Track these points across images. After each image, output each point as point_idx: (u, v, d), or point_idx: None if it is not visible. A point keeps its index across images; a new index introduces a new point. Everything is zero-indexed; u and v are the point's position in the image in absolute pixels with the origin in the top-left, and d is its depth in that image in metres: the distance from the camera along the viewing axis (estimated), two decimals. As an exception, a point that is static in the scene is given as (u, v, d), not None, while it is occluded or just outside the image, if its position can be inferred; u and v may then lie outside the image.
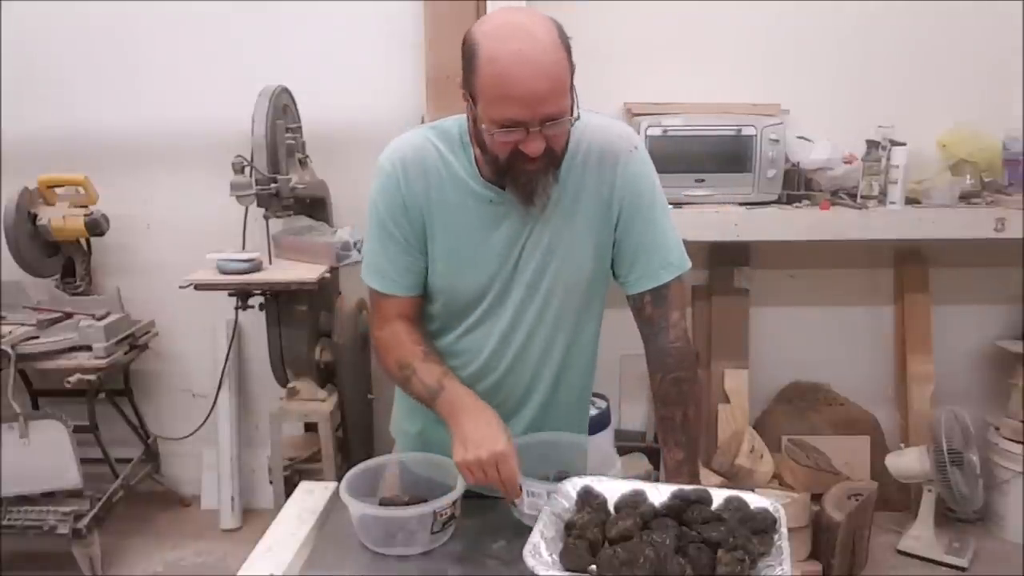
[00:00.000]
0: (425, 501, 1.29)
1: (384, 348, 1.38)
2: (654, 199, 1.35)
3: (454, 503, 1.25)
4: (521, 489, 1.23)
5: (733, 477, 2.75)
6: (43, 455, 2.57)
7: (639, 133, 2.60)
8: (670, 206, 2.46)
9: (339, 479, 1.31)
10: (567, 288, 1.35)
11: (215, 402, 3.03)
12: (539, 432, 1.41)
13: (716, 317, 3.05)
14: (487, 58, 1.14)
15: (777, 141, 2.64)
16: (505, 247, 1.32)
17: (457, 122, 1.33)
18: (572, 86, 1.20)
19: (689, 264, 1.37)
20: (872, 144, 2.64)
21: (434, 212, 1.32)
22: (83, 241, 2.97)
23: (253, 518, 3.09)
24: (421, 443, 1.48)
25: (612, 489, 1.16)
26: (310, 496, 1.43)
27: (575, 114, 1.21)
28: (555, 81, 1.15)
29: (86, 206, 2.89)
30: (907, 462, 2.66)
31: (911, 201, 2.70)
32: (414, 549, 1.24)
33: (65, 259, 2.98)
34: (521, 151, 1.19)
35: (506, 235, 1.31)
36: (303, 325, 2.71)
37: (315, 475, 2.62)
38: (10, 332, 2.60)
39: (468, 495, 1.29)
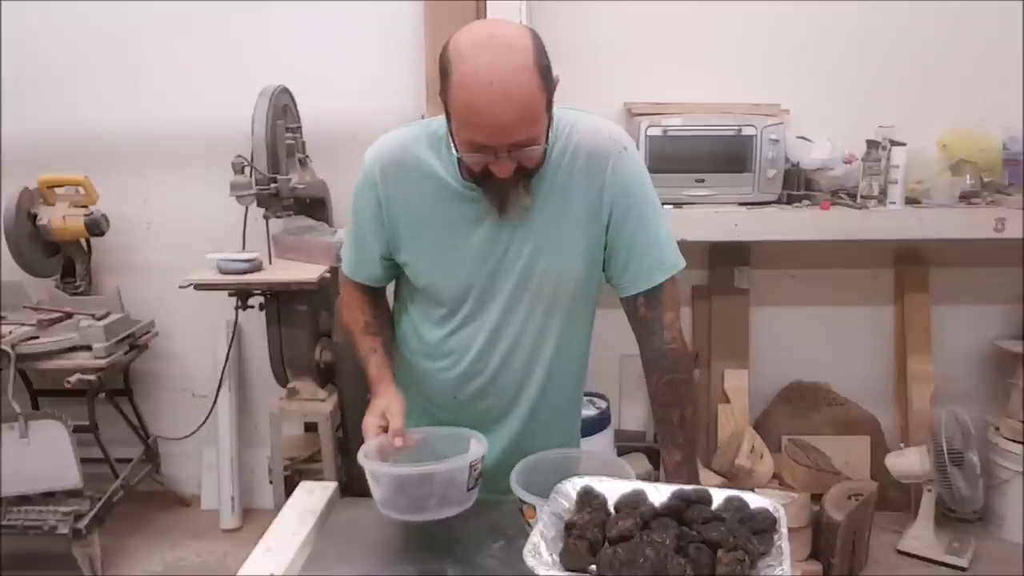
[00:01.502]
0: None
1: (343, 306, 1.50)
2: (645, 200, 1.34)
3: (482, 457, 1.26)
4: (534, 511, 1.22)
5: (733, 477, 2.75)
6: (43, 455, 2.57)
7: (639, 133, 2.60)
8: (669, 206, 2.46)
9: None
10: (556, 289, 1.34)
11: (215, 402, 3.04)
12: (545, 444, 1.40)
13: (716, 317, 3.05)
14: (458, 83, 1.15)
15: (777, 141, 2.64)
16: (487, 245, 1.32)
17: (445, 120, 1.34)
18: (549, 106, 1.20)
19: (683, 263, 1.36)
20: (872, 144, 2.64)
21: (414, 210, 1.32)
22: (83, 241, 2.97)
23: (253, 518, 3.10)
24: None
25: (612, 489, 1.16)
26: (310, 496, 1.43)
27: (549, 138, 1.24)
28: (525, 111, 1.14)
29: (86, 206, 2.89)
30: (907, 462, 2.66)
31: (911, 201, 2.69)
32: (448, 511, 1.23)
33: (65, 259, 2.98)
34: (491, 173, 1.21)
35: (488, 233, 1.31)
36: (303, 325, 2.71)
37: (315, 475, 2.62)
38: (10, 332, 2.60)
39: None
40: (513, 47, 1.14)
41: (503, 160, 1.18)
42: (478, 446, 1.27)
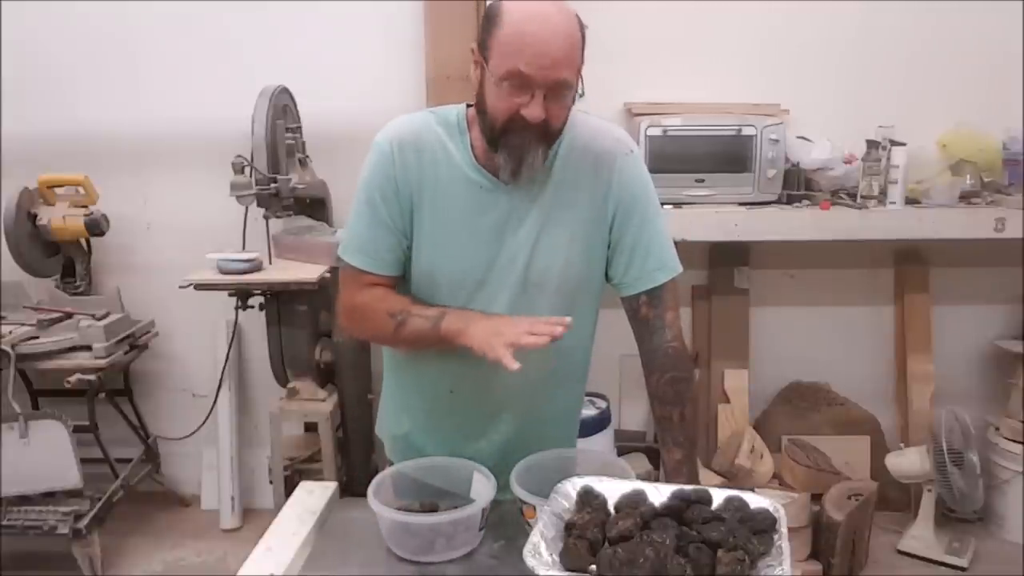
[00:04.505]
0: (433, 504, 1.29)
1: (367, 307, 1.34)
2: (648, 202, 1.37)
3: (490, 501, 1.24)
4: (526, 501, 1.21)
5: (733, 477, 2.75)
6: (43, 455, 2.57)
7: (639, 133, 2.60)
8: (669, 206, 2.47)
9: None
10: (557, 286, 1.35)
11: (215, 402, 3.04)
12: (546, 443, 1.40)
13: (716, 317, 3.05)
14: (510, 13, 1.19)
15: (777, 141, 2.64)
16: (490, 236, 1.32)
17: (456, 109, 1.35)
18: (580, 74, 1.24)
19: (681, 268, 1.38)
20: (872, 144, 2.64)
21: (424, 193, 1.32)
22: (83, 241, 2.97)
23: (253, 518, 3.10)
24: (406, 446, 1.48)
25: (612, 489, 1.16)
26: (310, 496, 1.43)
27: (576, 98, 1.25)
28: (569, 50, 1.19)
29: (86, 206, 2.89)
30: (907, 462, 2.66)
31: (911, 201, 2.69)
32: (456, 553, 1.22)
33: (65, 259, 2.98)
34: (521, 118, 1.20)
35: (492, 224, 1.32)
36: (303, 325, 2.72)
37: (315, 475, 2.62)
38: (10, 332, 2.60)
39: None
40: (563, 7, 1.22)
41: (536, 103, 1.19)
42: (486, 487, 1.26)
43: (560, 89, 1.20)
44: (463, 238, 1.32)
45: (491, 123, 1.24)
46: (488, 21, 1.22)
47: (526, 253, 1.32)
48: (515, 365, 1.15)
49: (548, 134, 1.24)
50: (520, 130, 1.22)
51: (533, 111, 1.19)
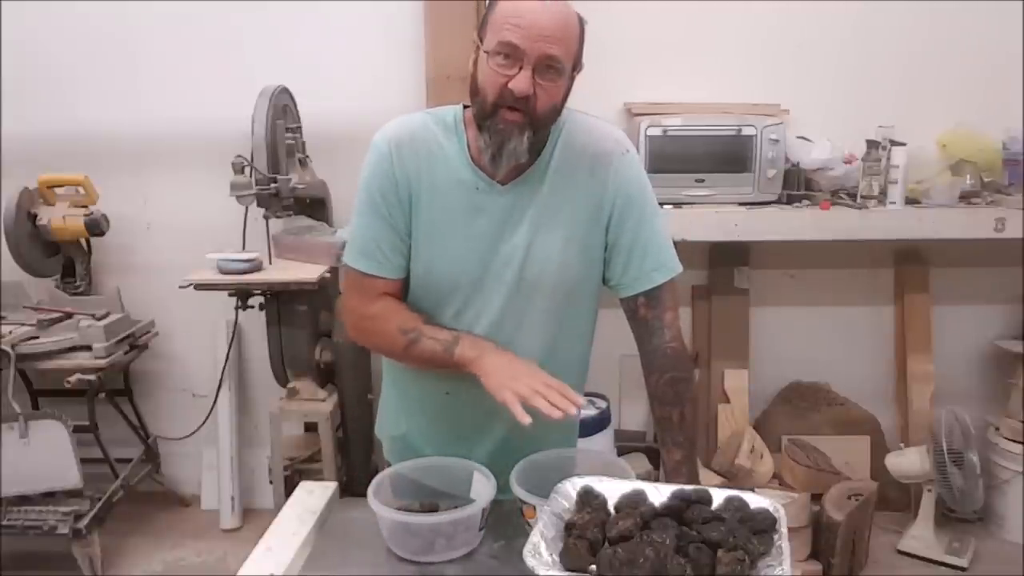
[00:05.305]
0: (433, 504, 1.29)
1: (377, 320, 1.34)
2: (645, 202, 1.36)
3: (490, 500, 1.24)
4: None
5: (733, 477, 2.75)
6: (43, 455, 2.57)
7: (639, 133, 2.60)
8: (669, 206, 2.46)
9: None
10: (553, 287, 1.34)
11: (215, 402, 3.04)
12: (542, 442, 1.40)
13: (716, 317, 3.05)
14: None
15: (777, 141, 2.64)
16: (486, 236, 1.32)
17: (453, 110, 1.35)
18: (575, 64, 1.24)
19: (680, 268, 1.37)
20: (872, 144, 2.64)
21: (422, 192, 1.32)
22: (83, 241, 2.97)
23: (253, 518, 3.10)
24: (404, 447, 1.48)
25: (612, 489, 1.16)
26: (310, 496, 1.43)
27: (569, 84, 1.25)
28: (562, 29, 1.20)
29: (86, 206, 2.89)
30: (907, 462, 2.66)
31: (911, 201, 2.69)
32: (456, 553, 1.22)
33: (65, 259, 2.98)
34: (509, 92, 1.19)
35: (487, 224, 1.31)
36: (303, 325, 2.71)
37: (315, 475, 2.62)
38: (10, 332, 2.60)
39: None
40: None
41: (524, 76, 1.19)
42: (486, 487, 1.26)
43: (549, 65, 1.19)
44: (459, 238, 1.32)
45: (481, 103, 1.24)
46: (489, 6, 1.23)
47: (521, 254, 1.32)
48: (527, 420, 1.17)
49: (534, 119, 1.22)
50: (506, 108, 1.21)
51: (520, 83, 1.19)
